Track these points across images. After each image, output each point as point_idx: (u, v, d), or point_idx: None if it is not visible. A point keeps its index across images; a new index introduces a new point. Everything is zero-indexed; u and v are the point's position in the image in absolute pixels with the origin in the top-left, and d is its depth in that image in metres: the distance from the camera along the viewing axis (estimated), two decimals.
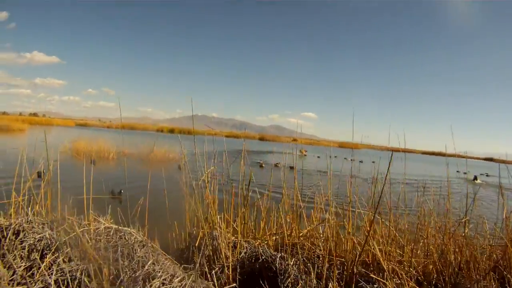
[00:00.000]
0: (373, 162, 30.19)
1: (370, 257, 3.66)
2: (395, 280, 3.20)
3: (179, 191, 4.68)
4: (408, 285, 3.13)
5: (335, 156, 35.91)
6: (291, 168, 12.07)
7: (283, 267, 3.19)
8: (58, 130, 49.04)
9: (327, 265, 3.36)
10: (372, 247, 3.61)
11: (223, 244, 3.48)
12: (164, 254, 3.35)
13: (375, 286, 3.14)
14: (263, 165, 19.48)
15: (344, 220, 3.83)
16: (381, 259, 3.36)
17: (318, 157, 32.60)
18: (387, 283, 3.08)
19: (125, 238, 3.33)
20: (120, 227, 3.47)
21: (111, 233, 3.37)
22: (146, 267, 2.84)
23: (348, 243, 3.72)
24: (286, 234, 3.93)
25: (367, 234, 3.43)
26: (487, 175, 28.66)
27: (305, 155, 31.85)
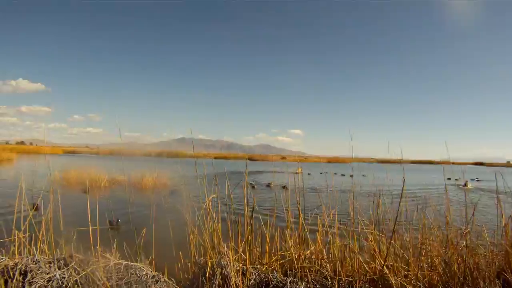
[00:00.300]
0: (363, 175, 30.56)
1: (377, 274, 3.69)
2: None
3: (177, 219, 4.66)
4: None
5: (326, 172, 36.11)
6: (283, 187, 12.05)
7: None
8: (48, 159, 48.19)
9: (336, 285, 3.40)
10: (378, 264, 3.66)
11: (233, 273, 3.48)
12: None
13: None
14: (255, 186, 19.39)
15: (350, 240, 3.88)
16: (389, 275, 3.41)
17: (309, 174, 32.65)
18: None
19: (136, 274, 3.31)
20: (129, 263, 3.44)
21: (122, 270, 3.34)
22: None
23: (354, 262, 3.76)
24: (294, 258, 3.95)
25: (373, 252, 3.49)
26: (477, 180, 28.95)
27: (301, 173, 31.19)
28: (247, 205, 4.07)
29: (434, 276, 3.72)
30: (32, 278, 3.24)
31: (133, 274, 3.30)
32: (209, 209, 4.23)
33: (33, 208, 10.30)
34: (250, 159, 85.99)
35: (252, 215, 3.98)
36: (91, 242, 3.65)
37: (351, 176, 30.55)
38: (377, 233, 4.13)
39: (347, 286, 3.56)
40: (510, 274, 3.54)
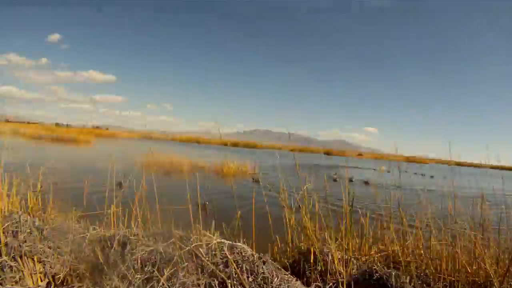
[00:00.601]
0: (444, 177, 29.21)
1: (482, 277, 3.56)
2: None
3: (262, 204, 4.73)
4: None
5: (405, 171, 34.87)
6: (365, 183, 11.84)
7: (399, 285, 3.17)
8: (124, 142, 51.01)
9: (440, 285, 3.34)
10: (484, 268, 3.53)
11: (336, 260, 3.51)
12: (280, 270, 3.36)
13: None
14: (337, 179, 19.27)
15: (453, 240, 3.79)
16: (494, 280, 3.28)
17: (388, 171, 31.82)
18: None
19: (241, 253, 3.34)
20: (233, 243, 3.51)
21: (226, 249, 3.34)
22: (274, 285, 2.90)
23: (457, 262, 3.65)
24: (396, 251, 3.92)
25: (477, 254, 3.39)
26: None
27: (388, 171, 30.46)
28: (348, 197, 4.05)
29: None
30: (132, 250, 3.32)
31: (238, 253, 3.32)
32: (305, 196, 4.34)
33: (119, 186, 11.05)
34: (327, 153, 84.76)
35: (352, 206, 3.98)
36: (191, 219, 3.82)
37: (432, 177, 29.43)
38: (480, 236, 3.99)
39: (448, 285, 3.47)
40: None
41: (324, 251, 3.75)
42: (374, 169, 32.16)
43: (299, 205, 4.28)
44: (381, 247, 4.28)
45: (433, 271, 3.66)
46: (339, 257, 3.64)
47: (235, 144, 79.97)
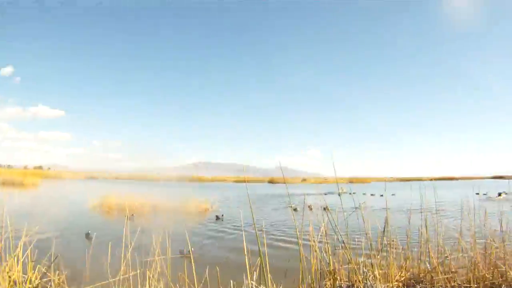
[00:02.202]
0: (392, 194, 30.72)
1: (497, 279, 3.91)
2: None
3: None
4: None
5: (354, 192, 36.11)
6: (325, 209, 12.39)
7: None
8: (72, 184, 48.83)
9: None
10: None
11: None
12: None
13: None
14: (297, 209, 19.60)
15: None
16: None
17: (339, 195, 32.65)
18: None
19: None
20: None
21: None
22: None
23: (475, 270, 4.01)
24: (425, 271, 4.19)
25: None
26: (505, 193, 28.87)
27: (344, 192, 30.59)
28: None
29: None
30: None
31: None
32: (312, 232, 4.41)
33: (87, 237, 10.68)
34: (271, 181, 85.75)
35: (384, 233, 4.24)
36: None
37: (381, 195, 30.78)
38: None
39: None
40: None
41: (369, 283, 3.88)
42: (325, 194, 32.91)
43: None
44: (402, 271, 4.44)
45: (462, 283, 4.00)
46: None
47: (179, 179, 78.88)
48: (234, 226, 13.88)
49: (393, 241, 4.50)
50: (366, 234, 4.34)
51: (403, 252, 4.61)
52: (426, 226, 4.59)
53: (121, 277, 3.94)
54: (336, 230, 4.33)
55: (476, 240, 4.29)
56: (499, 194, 24.22)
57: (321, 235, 4.36)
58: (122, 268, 3.94)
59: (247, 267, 3.70)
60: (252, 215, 3.86)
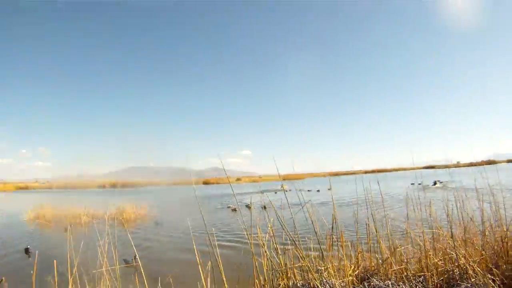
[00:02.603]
0: (329, 189, 31.74)
1: (451, 266, 4.00)
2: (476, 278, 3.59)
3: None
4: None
5: (289, 190, 36.79)
6: (263, 207, 12.50)
7: None
8: (1, 196, 46.22)
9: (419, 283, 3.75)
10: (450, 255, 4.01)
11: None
12: None
13: (463, 285, 3.52)
14: (236, 209, 19.58)
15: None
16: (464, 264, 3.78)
17: (275, 192, 33.36)
18: (472, 279, 3.54)
19: None
20: None
21: None
22: None
23: (424, 260, 4.08)
24: (378, 264, 4.19)
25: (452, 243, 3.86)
26: (440, 182, 30.57)
27: (285, 190, 30.07)
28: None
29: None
30: None
31: None
32: (260, 232, 4.20)
33: (26, 253, 9.95)
34: (206, 183, 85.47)
35: (332, 230, 4.21)
36: None
37: (318, 191, 31.70)
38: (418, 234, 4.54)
39: (422, 282, 3.85)
40: None
41: (324, 281, 3.77)
42: (262, 192, 33.20)
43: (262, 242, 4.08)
44: (354, 266, 4.38)
45: (412, 273, 4.04)
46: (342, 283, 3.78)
47: (113, 185, 76.83)
48: (175, 230, 13.53)
49: (342, 236, 4.45)
50: (316, 231, 4.25)
51: (353, 246, 4.60)
52: (374, 220, 4.59)
53: None
54: (284, 228, 4.26)
55: (424, 230, 4.36)
56: (434, 183, 25.64)
57: (268, 235, 4.18)
58: (70, 286, 3.59)
59: (201, 272, 3.53)
60: (203, 218, 3.71)
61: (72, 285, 3.55)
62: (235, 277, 4.06)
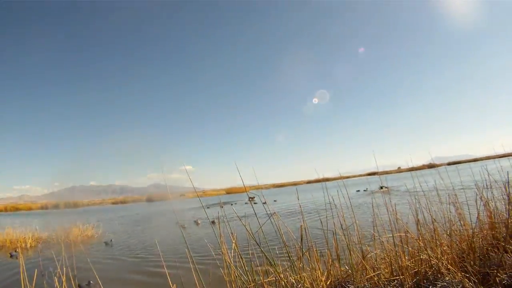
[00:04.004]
0: (274, 201, 32.07)
1: (423, 267, 4.08)
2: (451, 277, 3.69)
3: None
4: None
5: (235, 203, 36.93)
6: (212, 222, 12.27)
7: None
8: None
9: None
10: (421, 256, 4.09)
11: None
12: None
13: (439, 284, 3.59)
14: (185, 225, 19.28)
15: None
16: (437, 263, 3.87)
17: (231, 204, 33.35)
18: (447, 278, 3.61)
19: None
20: None
21: None
22: None
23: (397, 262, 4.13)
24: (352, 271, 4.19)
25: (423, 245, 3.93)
26: (386, 187, 31.56)
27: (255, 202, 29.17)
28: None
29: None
30: None
31: None
32: (237, 249, 4.02)
33: None
34: (149, 200, 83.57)
35: (301, 240, 4.16)
36: None
37: (264, 203, 31.72)
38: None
39: (397, 285, 3.89)
40: None
41: None
42: (208, 207, 32.94)
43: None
44: (327, 275, 4.39)
45: (386, 277, 4.06)
46: None
47: (56, 206, 73.53)
48: (126, 250, 12.86)
49: (313, 246, 4.41)
50: (283, 242, 4.19)
51: (321, 256, 4.57)
52: (344, 227, 4.60)
53: None
54: (250, 241, 4.17)
55: (393, 234, 4.42)
56: (381, 188, 26.57)
57: (233, 250, 4.06)
58: None
59: None
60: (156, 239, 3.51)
61: None
62: None
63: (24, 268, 3.63)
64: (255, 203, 29.07)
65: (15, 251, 13.77)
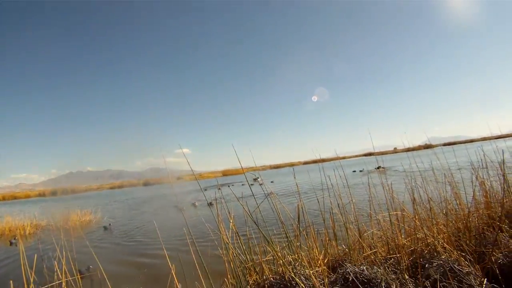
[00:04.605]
0: (271, 182, 32.15)
1: (419, 245, 4.12)
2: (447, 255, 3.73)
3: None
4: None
5: (233, 184, 37.04)
6: (209, 204, 12.40)
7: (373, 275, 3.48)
8: None
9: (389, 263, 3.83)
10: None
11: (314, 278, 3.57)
12: None
13: (435, 262, 3.62)
14: (196, 204, 19.43)
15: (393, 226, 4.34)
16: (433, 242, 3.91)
17: (229, 186, 33.47)
18: (443, 256, 3.64)
19: None
20: None
21: None
22: None
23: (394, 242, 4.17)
24: (349, 251, 4.24)
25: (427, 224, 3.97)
26: (383, 168, 31.62)
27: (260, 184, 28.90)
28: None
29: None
30: None
31: None
32: (235, 229, 4.07)
33: None
34: (146, 184, 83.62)
35: (299, 219, 4.19)
36: None
37: (261, 184, 31.72)
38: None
39: (394, 263, 3.91)
40: None
41: (298, 272, 3.61)
42: (205, 189, 33.06)
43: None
44: (324, 254, 4.38)
45: (383, 255, 4.10)
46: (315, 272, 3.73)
47: (53, 193, 73.59)
48: (125, 234, 12.94)
49: (311, 225, 4.44)
50: (281, 221, 4.22)
51: (319, 235, 4.61)
52: (340, 207, 4.64)
53: None
54: (247, 222, 4.20)
55: (390, 213, 4.46)
56: (378, 168, 26.76)
57: (231, 230, 4.08)
58: None
59: (174, 279, 3.35)
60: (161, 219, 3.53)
61: None
62: (199, 279, 3.86)
63: (25, 254, 3.63)
64: (260, 184, 29.16)
65: (15, 238, 13.85)
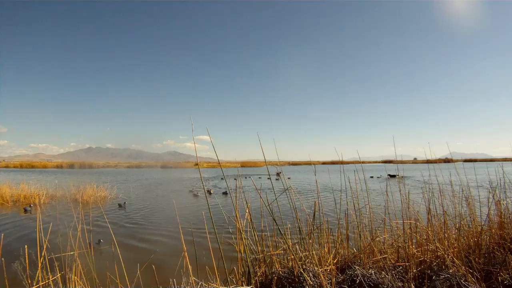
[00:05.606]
0: (288, 178, 32.14)
1: (428, 257, 4.18)
2: (454, 269, 3.77)
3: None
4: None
5: (248, 176, 37.10)
6: (224, 193, 12.38)
7: (380, 280, 3.57)
8: None
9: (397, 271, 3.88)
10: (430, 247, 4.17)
11: (322, 276, 3.65)
12: None
13: (442, 275, 3.66)
14: (198, 194, 19.60)
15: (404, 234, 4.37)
16: (443, 255, 3.95)
17: (246, 177, 33.63)
18: (451, 270, 3.68)
19: None
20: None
21: None
22: None
23: (405, 250, 4.22)
24: (361, 253, 4.26)
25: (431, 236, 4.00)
26: (400, 176, 31.31)
27: (277, 178, 30.12)
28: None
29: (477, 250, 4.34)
30: None
31: None
32: (250, 219, 4.11)
33: None
34: (163, 166, 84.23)
35: (314, 218, 4.26)
36: None
37: (277, 179, 31.83)
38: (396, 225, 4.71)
39: (402, 271, 3.97)
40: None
41: (307, 269, 3.71)
42: (222, 178, 33.22)
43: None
44: (335, 254, 4.40)
45: (392, 262, 4.15)
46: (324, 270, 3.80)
47: (71, 166, 74.73)
48: (138, 213, 13.27)
49: (325, 224, 4.50)
50: (296, 217, 4.29)
51: (332, 235, 4.66)
52: (356, 209, 4.69)
53: (41, 284, 3.44)
54: (263, 214, 4.26)
55: (404, 221, 4.49)
56: (394, 176, 26.77)
57: (247, 220, 4.15)
58: (38, 273, 3.43)
59: (186, 260, 3.47)
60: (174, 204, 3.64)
61: (41, 270, 3.41)
62: (210, 263, 3.96)
63: (41, 221, 3.74)
64: (276, 179, 29.04)
65: (30, 206, 14.21)
